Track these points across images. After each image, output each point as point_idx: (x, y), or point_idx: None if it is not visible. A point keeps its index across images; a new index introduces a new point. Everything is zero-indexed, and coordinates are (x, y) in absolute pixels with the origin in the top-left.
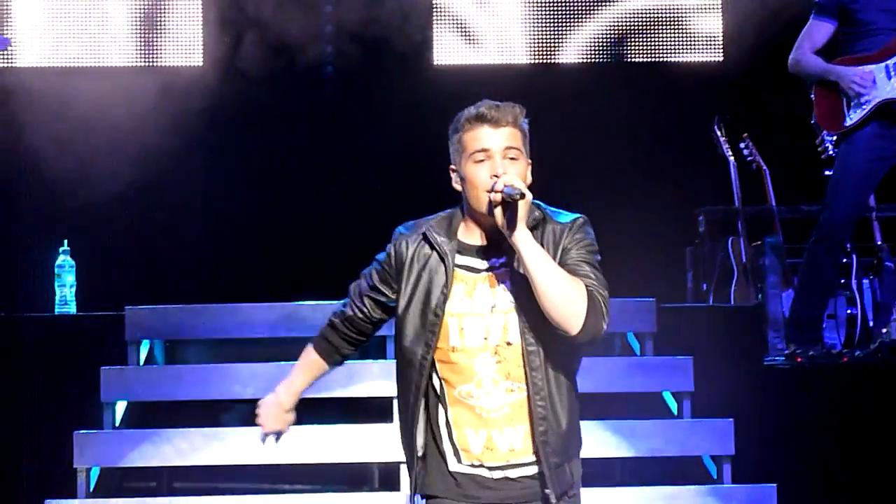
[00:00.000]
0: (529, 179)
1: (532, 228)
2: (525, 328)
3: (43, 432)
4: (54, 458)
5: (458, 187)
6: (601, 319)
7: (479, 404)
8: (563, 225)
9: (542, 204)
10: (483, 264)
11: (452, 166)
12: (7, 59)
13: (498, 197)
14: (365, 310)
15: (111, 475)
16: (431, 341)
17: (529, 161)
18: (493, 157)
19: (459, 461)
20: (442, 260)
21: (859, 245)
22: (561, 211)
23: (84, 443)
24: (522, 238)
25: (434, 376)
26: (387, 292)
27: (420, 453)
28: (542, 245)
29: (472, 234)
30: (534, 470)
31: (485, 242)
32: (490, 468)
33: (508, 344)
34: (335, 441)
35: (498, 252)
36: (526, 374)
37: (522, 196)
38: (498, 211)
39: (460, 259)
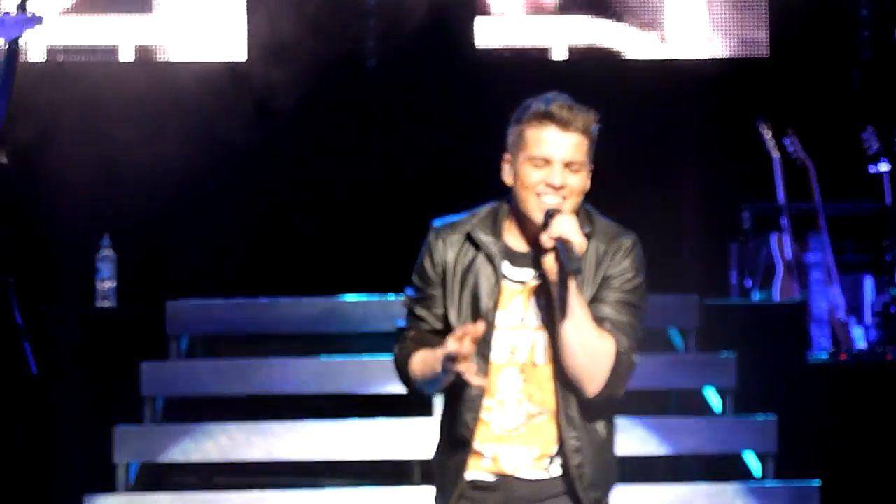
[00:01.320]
0: (588, 186)
1: None
2: (554, 350)
3: (82, 427)
4: (94, 453)
5: (509, 181)
6: (621, 387)
7: (496, 421)
8: (609, 245)
9: (592, 211)
10: (520, 274)
11: (507, 156)
12: (46, 50)
13: (550, 243)
14: (430, 318)
15: (151, 470)
16: (488, 352)
17: (592, 166)
18: (553, 167)
19: (467, 480)
20: (490, 261)
21: None
22: (613, 223)
23: (124, 437)
24: (570, 295)
25: None
26: (437, 295)
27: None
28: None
29: (516, 237)
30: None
31: (527, 249)
32: (492, 472)
33: (534, 364)
34: (375, 436)
35: (538, 262)
36: (557, 402)
37: (578, 272)
38: (549, 258)
39: (504, 266)
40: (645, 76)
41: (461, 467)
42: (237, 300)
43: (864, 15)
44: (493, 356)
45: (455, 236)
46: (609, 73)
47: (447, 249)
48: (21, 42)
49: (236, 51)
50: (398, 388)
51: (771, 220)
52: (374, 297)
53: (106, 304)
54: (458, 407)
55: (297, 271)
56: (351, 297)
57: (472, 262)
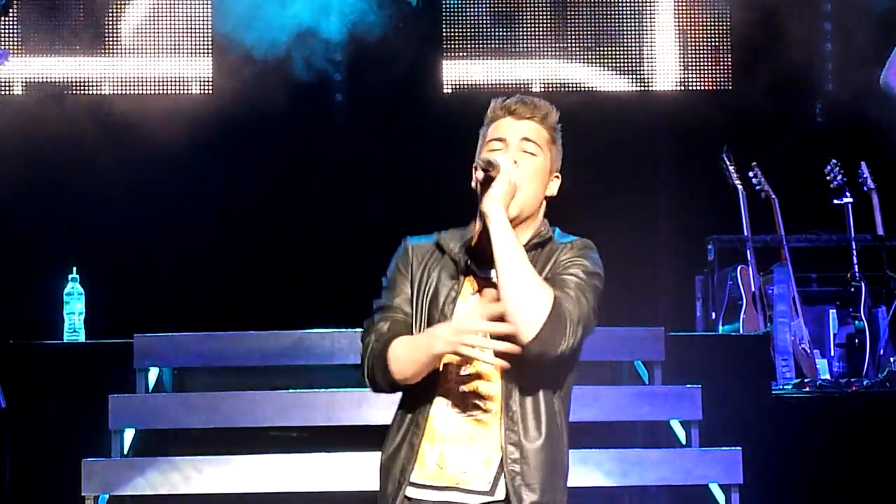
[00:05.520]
0: (553, 191)
1: (538, 245)
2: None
3: (51, 460)
4: (62, 487)
5: (474, 185)
6: (561, 337)
7: (440, 415)
8: (566, 243)
9: (557, 229)
10: (482, 271)
11: (475, 164)
12: (15, 85)
13: (480, 175)
14: (404, 305)
15: (119, 503)
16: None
17: (558, 174)
18: (508, 146)
19: (411, 482)
20: (453, 261)
21: (868, 274)
22: (573, 236)
23: (92, 471)
24: (494, 217)
25: None
26: (407, 288)
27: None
28: (538, 260)
29: (479, 244)
30: (487, 499)
31: (490, 251)
32: (436, 488)
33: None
34: (343, 469)
35: (493, 261)
36: (502, 394)
37: (492, 166)
38: (480, 189)
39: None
40: (611, 108)
41: (406, 470)
42: (205, 334)
43: (827, 49)
44: None
45: (425, 245)
46: (577, 105)
47: (416, 255)
48: None
49: (203, 84)
50: (366, 420)
51: (735, 252)
52: (341, 330)
53: (74, 337)
54: (413, 403)
55: (264, 305)
56: (318, 330)
57: (437, 264)
